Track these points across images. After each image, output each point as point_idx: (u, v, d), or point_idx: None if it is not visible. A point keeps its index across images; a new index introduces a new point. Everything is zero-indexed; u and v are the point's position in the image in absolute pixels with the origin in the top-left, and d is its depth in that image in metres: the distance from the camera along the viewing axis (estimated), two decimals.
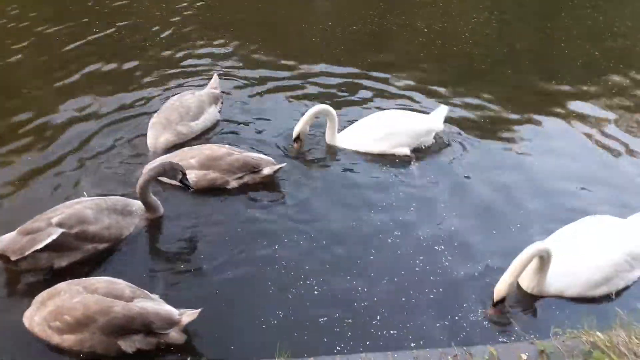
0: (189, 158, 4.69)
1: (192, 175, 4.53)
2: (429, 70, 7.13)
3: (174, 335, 3.28)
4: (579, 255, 3.69)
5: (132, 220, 4.19)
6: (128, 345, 3.22)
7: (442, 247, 4.13)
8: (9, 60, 6.92)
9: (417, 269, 3.93)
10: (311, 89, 6.52)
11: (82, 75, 6.67)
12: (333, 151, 5.33)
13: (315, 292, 3.73)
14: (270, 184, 4.84)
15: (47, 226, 3.71)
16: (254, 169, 4.74)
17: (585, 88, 6.73)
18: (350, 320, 3.50)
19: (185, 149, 4.91)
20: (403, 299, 3.68)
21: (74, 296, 3.25)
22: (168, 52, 7.38)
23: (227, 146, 4.88)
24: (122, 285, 3.36)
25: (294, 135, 5.14)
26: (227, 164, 4.67)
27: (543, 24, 8.99)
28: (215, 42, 7.73)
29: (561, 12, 9.48)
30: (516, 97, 6.48)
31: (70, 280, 3.39)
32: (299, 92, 6.45)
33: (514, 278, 3.49)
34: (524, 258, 3.46)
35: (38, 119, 5.66)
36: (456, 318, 3.54)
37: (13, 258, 3.61)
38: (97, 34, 7.81)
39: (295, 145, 5.21)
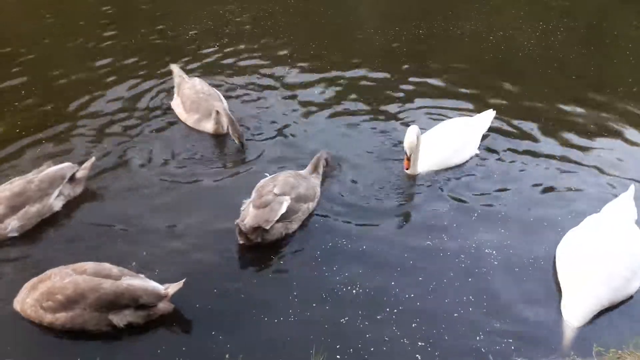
0: None
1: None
2: (474, 76, 6.90)
3: (163, 306, 3.43)
4: (599, 260, 3.72)
5: (316, 181, 4.62)
6: (119, 319, 3.36)
7: (485, 256, 4.10)
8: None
9: (455, 278, 3.89)
10: (350, 93, 6.41)
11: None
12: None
13: (330, 291, 3.76)
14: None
15: (274, 197, 4.13)
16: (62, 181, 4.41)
17: None
18: (367, 323, 3.53)
19: None
20: (439, 309, 3.65)
21: (65, 277, 3.39)
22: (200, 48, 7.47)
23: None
24: (109, 266, 3.51)
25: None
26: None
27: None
28: (253, 43, 7.63)
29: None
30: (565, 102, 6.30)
31: (59, 266, 3.52)
32: (337, 99, 6.34)
33: None
34: None
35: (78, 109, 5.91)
36: (493, 333, 3.48)
37: (267, 227, 4.01)
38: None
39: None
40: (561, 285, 3.78)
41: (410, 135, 4.68)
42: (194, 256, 4.01)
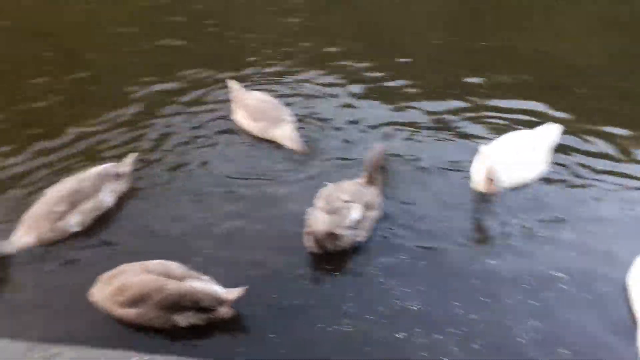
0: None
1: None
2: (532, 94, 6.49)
3: (223, 310, 3.54)
4: None
5: (375, 191, 4.51)
6: (182, 319, 3.51)
7: (553, 281, 3.91)
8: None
9: (521, 302, 3.75)
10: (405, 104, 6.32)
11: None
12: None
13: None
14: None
15: (344, 204, 4.14)
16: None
17: None
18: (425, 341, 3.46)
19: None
20: (503, 333, 3.52)
21: (133, 275, 3.59)
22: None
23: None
24: (174, 266, 3.67)
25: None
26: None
27: None
28: (310, 50, 7.70)
29: None
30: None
31: (130, 263, 3.73)
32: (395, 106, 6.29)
33: None
34: None
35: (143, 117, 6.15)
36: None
37: (340, 232, 3.99)
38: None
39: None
40: (636, 317, 3.52)
41: (488, 157, 4.50)
42: (255, 261, 4.07)
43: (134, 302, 3.49)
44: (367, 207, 4.29)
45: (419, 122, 5.91)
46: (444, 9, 9.39)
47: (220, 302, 3.50)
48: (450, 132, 5.71)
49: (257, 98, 5.79)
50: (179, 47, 7.97)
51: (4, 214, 4.58)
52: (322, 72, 7.08)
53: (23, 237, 4.22)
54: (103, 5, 9.65)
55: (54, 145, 5.53)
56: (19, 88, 6.82)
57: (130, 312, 3.50)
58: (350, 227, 4.08)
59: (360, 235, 4.18)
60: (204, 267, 3.84)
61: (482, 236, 4.37)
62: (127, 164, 4.90)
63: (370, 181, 4.56)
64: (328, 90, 6.62)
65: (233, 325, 3.57)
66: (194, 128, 5.88)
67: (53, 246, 4.25)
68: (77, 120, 5.95)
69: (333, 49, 7.68)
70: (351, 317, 3.62)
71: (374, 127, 5.85)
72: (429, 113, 6.04)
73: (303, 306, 3.71)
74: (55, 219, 4.30)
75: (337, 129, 5.81)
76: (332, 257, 4.08)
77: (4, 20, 9.15)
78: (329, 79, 6.87)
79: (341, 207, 4.13)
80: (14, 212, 4.52)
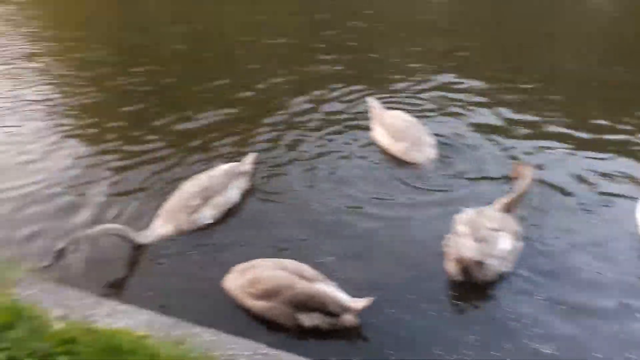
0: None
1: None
2: None
3: (347, 318, 3.56)
4: None
5: (515, 220, 4.30)
6: (307, 319, 3.58)
7: None
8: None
9: None
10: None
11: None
12: None
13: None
14: None
15: (493, 232, 3.98)
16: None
17: None
18: None
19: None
20: None
21: (268, 270, 3.76)
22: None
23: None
24: (305, 267, 3.78)
25: None
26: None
27: None
28: (448, 74, 7.70)
29: None
30: None
31: (265, 259, 3.92)
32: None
33: None
34: None
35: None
36: None
37: (489, 261, 3.85)
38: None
39: None
40: None
41: None
42: (382, 276, 4.05)
43: (265, 295, 3.64)
44: (516, 237, 4.06)
45: (571, 144, 5.46)
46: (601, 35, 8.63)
47: (346, 309, 3.53)
48: (611, 160, 5.18)
49: (398, 117, 5.79)
50: (323, 59, 8.35)
51: (142, 205, 4.98)
52: (463, 91, 7.01)
53: (161, 228, 4.54)
54: (267, 18, 10.45)
55: (187, 138, 6.02)
56: (169, 81, 7.68)
57: (259, 305, 3.67)
58: (499, 257, 3.87)
59: (506, 267, 3.95)
60: (328, 274, 3.87)
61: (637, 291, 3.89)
62: (248, 163, 5.19)
63: (509, 208, 4.28)
64: (469, 107, 6.52)
65: (354, 334, 3.57)
66: (327, 138, 6.05)
67: (188, 237, 4.58)
68: (213, 117, 6.48)
69: (477, 71, 7.53)
70: (474, 349, 3.45)
71: (516, 148, 5.59)
72: (584, 132, 5.56)
73: (426, 329, 3.62)
74: (191, 212, 4.65)
75: (477, 150, 5.67)
76: (465, 284, 3.91)
77: (184, 24, 10.38)
78: (469, 99, 6.77)
79: (489, 235, 3.94)
80: (150, 203, 4.92)
